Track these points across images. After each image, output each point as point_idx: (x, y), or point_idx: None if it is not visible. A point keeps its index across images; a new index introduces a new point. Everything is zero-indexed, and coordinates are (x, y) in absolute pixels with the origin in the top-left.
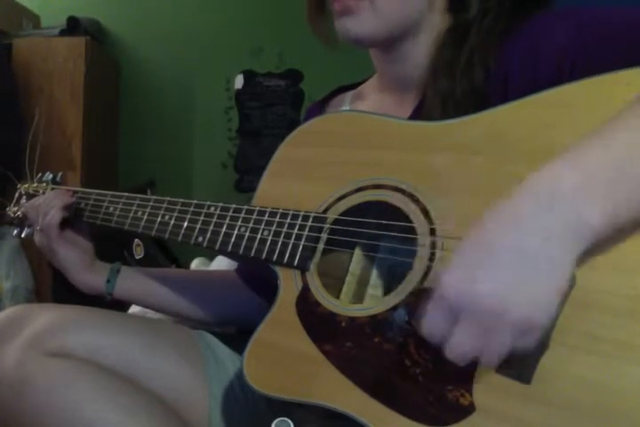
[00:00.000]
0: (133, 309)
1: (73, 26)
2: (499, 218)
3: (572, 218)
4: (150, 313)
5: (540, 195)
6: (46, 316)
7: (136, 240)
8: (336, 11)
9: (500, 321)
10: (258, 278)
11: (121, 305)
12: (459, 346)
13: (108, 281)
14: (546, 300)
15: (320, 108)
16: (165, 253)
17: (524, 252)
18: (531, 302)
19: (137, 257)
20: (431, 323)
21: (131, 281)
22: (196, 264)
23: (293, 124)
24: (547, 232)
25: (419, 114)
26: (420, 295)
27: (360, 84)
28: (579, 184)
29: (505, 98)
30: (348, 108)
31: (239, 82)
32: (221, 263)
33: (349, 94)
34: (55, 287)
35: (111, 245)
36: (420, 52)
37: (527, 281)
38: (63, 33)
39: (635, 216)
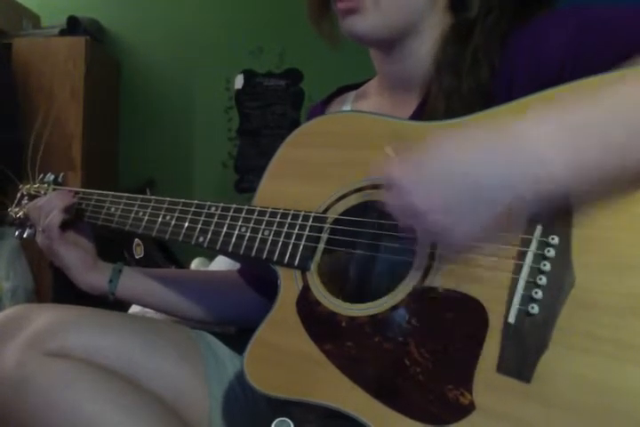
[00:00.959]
0: (133, 309)
1: (73, 26)
2: (470, 143)
3: (535, 166)
4: (150, 313)
5: (513, 137)
6: (46, 316)
7: (136, 240)
8: (340, 10)
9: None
10: (260, 279)
11: (121, 305)
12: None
13: (111, 281)
14: (469, 230)
15: (322, 108)
16: (165, 253)
17: (478, 184)
18: (457, 226)
19: (137, 257)
20: (390, 207)
21: (133, 281)
22: (195, 264)
23: (294, 124)
24: (505, 176)
25: (421, 112)
26: (421, 295)
27: (362, 84)
28: (549, 134)
29: (510, 97)
30: (349, 108)
31: (239, 82)
32: (221, 263)
33: (351, 94)
34: (55, 287)
35: (111, 245)
36: (421, 50)
37: (465, 208)
38: (63, 33)
39: (608, 177)
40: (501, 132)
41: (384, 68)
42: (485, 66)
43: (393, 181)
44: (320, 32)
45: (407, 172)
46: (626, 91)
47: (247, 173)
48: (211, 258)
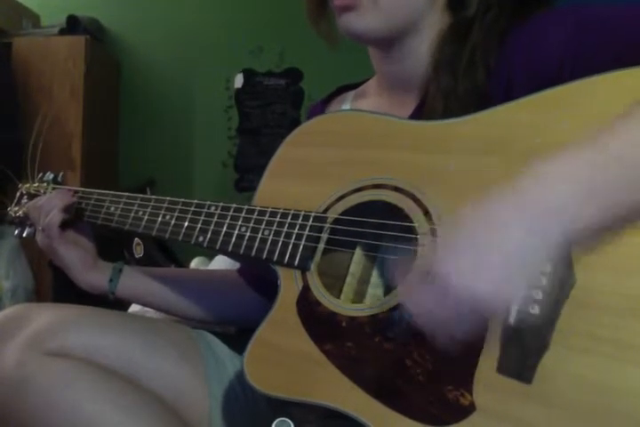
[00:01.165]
0: (133, 308)
1: (73, 25)
2: (498, 217)
3: (565, 220)
4: (150, 313)
5: (544, 200)
6: (46, 316)
7: (136, 239)
8: (336, 7)
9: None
10: (259, 278)
11: (121, 305)
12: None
13: (111, 280)
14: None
15: (322, 107)
16: (165, 253)
17: (519, 254)
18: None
19: (137, 256)
20: (420, 303)
21: (133, 280)
22: (195, 263)
23: (293, 123)
24: (544, 238)
25: (420, 112)
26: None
27: (361, 83)
28: (577, 191)
29: (508, 96)
30: (349, 107)
31: (239, 81)
32: (221, 263)
33: (351, 94)
34: (55, 287)
35: (111, 245)
36: (420, 49)
37: (511, 279)
38: (63, 32)
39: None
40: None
41: (383, 68)
42: (482, 66)
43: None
44: (318, 31)
45: (445, 259)
46: None
47: (247, 172)
48: (210, 257)
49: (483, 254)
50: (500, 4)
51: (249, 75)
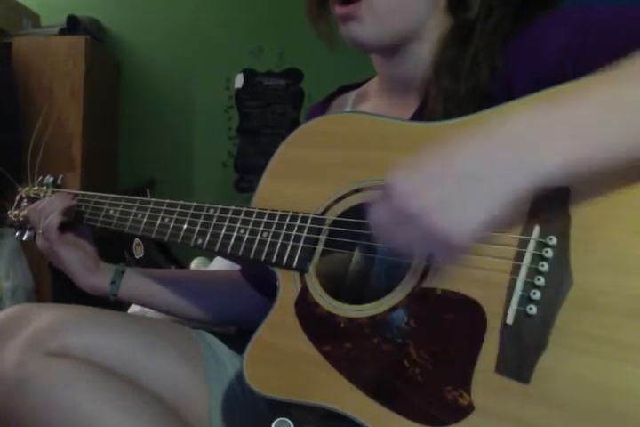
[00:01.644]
0: (133, 309)
1: (73, 25)
2: (464, 143)
3: (530, 160)
4: (150, 313)
5: (509, 132)
6: (46, 316)
7: (136, 240)
8: (338, 16)
9: (427, 235)
10: (261, 279)
11: (120, 305)
12: (393, 238)
13: (113, 282)
14: (470, 227)
15: (322, 108)
16: (165, 253)
17: (475, 179)
18: (457, 225)
19: (137, 257)
20: (377, 216)
21: (135, 282)
22: (195, 264)
23: (293, 124)
24: (502, 168)
25: (421, 114)
26: (419, 296)
27: (362, 83)
28: (548, 132)
29: (510, 98)
30: (350, 108)
31: (239, 81)
32: (221, 263)
33: (352, 94)
34: (55, 287)
35: (111, 245)
36: (422, 53)
37: (464, 205)
38: (63, 32)
39: (606, 169)
40: (495, 127)
41: (385, 71)
42: (485, 68)
43: (388, 187)
44: (318, 33)
45: (402, 177)
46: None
47: (247, 172)
48: (211, 258)
49: (428, 176)
50: (504, 6)
51: (249, 75)
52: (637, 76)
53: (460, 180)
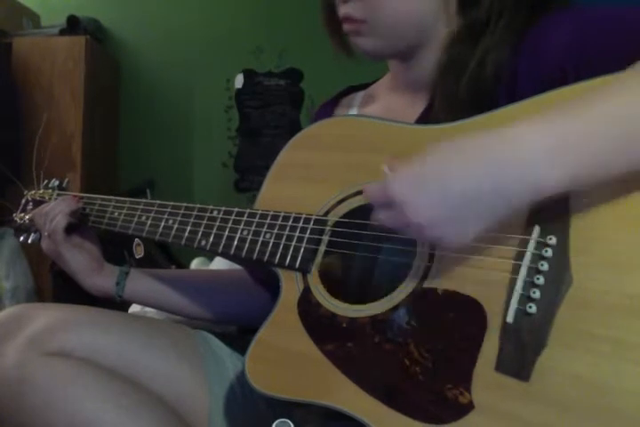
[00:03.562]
0: (133, 308)
1: (73, 25)
2: (465, 159)
3: (531, 176)
4: (150, 313)
5: (509, 148)
6: (46, 316)
7: (136, 240)
8: (346, 30)
9: (422, 234)
10: (269, 277)
11: (121, 305)
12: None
13: (118, 284)
14: (465, 237)
15: (329, 108)
16: (166, 253)
17: (476, 197)
18: (456, 237)
19: (137, 257)
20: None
21: (140, 283)
22: (195, 264)
23: (293, 124)
24: (503, 186)
25: (428, 114)
26: (421, 296)
27: (370, 84)
28: (549, 147)
29: (511, 98)
30: (356, 109)
31: (239, 81)
32: (221, 263)
33: (360, 95)
34: (55, 287)
35: (112, 246)
36: (433, 54)
37: (464, 220)
38: (63, 32)
39: (605, 180)
40: (496, 140)
41: (398, 72)
42: (491, 68)
43: (388, 197)
44: (333, 45)
45: (401, 187)
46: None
47: (247, 172)
48: (211, 258)
49: (429, 194)
50: (515, 8)
51: (249, 75)
52: (637, 90)
53: (461, 197)
